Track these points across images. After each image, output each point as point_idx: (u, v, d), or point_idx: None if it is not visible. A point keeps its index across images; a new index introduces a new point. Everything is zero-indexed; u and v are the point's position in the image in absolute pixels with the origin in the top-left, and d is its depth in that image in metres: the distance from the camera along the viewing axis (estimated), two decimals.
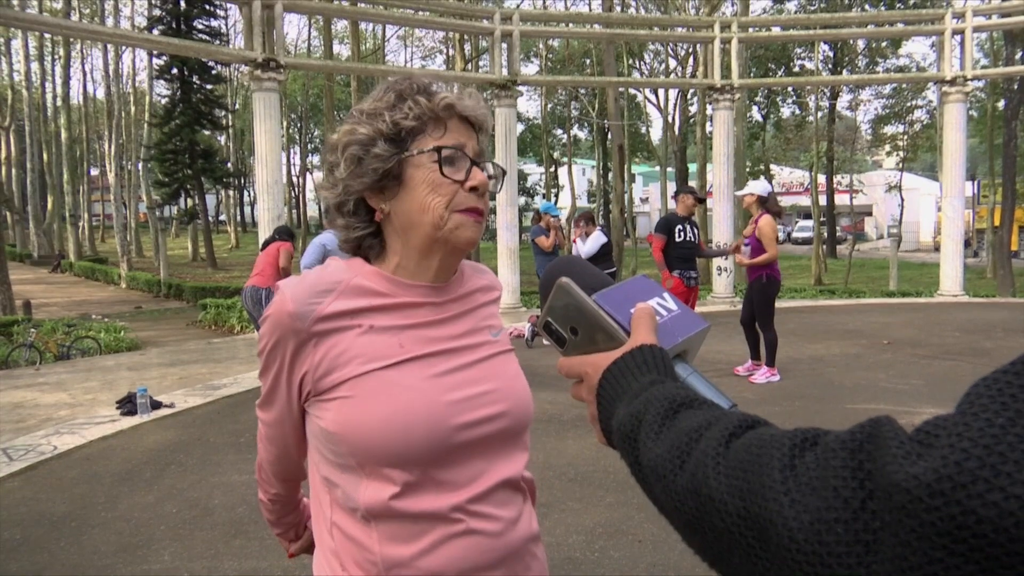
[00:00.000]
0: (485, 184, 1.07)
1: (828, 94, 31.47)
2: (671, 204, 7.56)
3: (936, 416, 0.42)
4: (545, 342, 6.08)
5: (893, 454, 0.42)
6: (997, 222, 27.91)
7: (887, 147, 39.09)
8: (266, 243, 8.26)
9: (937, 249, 19.59)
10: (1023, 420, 0.38)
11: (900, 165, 36.47)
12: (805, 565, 0.44)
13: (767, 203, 6.88)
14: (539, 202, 38.22)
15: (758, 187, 7.00)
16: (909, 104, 33.15)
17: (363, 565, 1.02)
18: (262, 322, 1.07)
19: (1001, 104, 28.57)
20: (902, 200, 35.02)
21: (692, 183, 30.30)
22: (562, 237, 9.41)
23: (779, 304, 13.47)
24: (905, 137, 34.86)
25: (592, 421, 0.70)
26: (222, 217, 53.49)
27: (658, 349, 0.67)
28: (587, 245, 8.97)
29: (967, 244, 20.30)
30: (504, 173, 1.19)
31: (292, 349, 1.03)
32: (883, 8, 29.76)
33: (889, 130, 36.78)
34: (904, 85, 30.40)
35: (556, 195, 41.02)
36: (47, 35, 34.58)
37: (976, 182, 36.54)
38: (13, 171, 40.52)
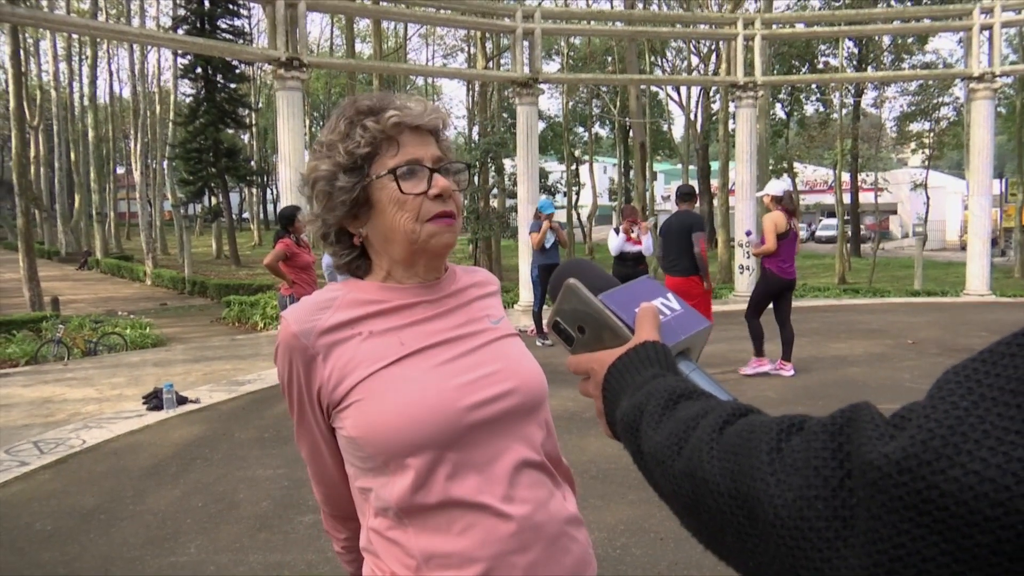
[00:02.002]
0: (447, 188, 1.10)
1: (853, 91, 31.09)
2: (671, 205, 7.46)
3: (912, 402, 0.45)
4: (549, 342, 6.08)
5: (868, 435, 0.44)
6: None
7: (913, 144, 38.55)
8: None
9: (963, 248, 19.32)
10: (985, 403, 0.40)
11: (926, 163, 35.97)
12: (789, 540, 0.47)
13: (783, 202, 7.01)
14: (559, 200, 38.18)
15: (774, 187, 7.13)
16: (935, 101, 32.66)
17: (403, 561, 1.05)
18: (275, 355, 1.13)
19: None
20: (928, 198, 34.51)
21: (714, 181, 30.17)
22: (562, 235, 9.34)
23: (802, 303, 13.45)
24: (931, 134, 34.36)
25: (599, 415, 0.73)
26: (245, 215, 53.93)
27: (660, 345, 0.70)
28: (647, 241, 8.82)
29: (994, 243, 20.01)
30: (468, 166, 1.25)
31: (303, 368, 1.08)
32: (909, 4, 29.37)
33: (915, 127, 36.28)
34: (930, 82, 29.97)
35: (577, 193, 40.92)
36: (75, 36, 35.07)
37: (1004, 180, 35.96)
38: (42, 170, 41.07)
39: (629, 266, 8.67)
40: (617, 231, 8.85)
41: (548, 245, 8.99)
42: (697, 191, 7.89)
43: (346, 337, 1.08)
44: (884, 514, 0.41)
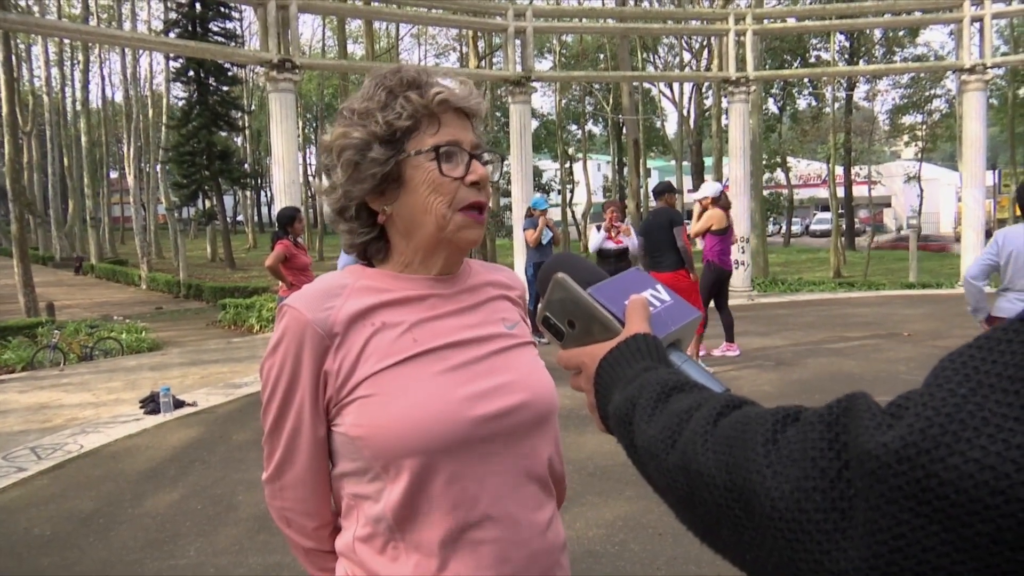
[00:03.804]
0: (486, 177, 1.06)
1: (845, 85, 31.15)
2: (648, 201, 7.49)
3: (909, 390, 0.45)
4: (545, 340, 6.13)
5: (866, 425, 0.44)
6: (1018, 212, 27.54)
7: (905, 137, 38.62)
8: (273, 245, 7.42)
9: (957, 240, 19.34)
10: (983, 390, 0.39)
11: (919, 155, 36.07)
12: (787, 532, 0.46)
13: (719, 202, 7.59)
14: (554, 198, 38.12)
15: (710, 189, 7.72)
16: (927, 93, 32.75)
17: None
18: (269, 353, 1.04)
19: (1022, 91, 28.19)
20: (921, 191, 34.63)
21: (708, 176, 30.17)
22: (557, 232, 9.30)
23: (798, 297, 13.47)
24: (924, 127, 34.45)
25: (591, 409, 0.73)
26: (240, 218, 53.81)
27: (651, 337, 0.69)
28: (628, 241, 8.52)
29: (988, 234, 20.01)
30: (502, 159, 1.19)
31: (315, 359, 1.01)
32: None
33: (907, 120, 36.36)
34: (922, 74, 30.03)
35: (571, 191, 40.95)
36: (66, 40, 35.00)
37: (997, 171, 36.05)
38: (35, 175, 40.93)
39: (611, 263, 8.49)
40: (599, 228, 8.78)
41: (544, 242, 8.96)
42: (675, 186, 7.97)
43: (359, 328, 1.02)
44: (883, 504, 0.41)
